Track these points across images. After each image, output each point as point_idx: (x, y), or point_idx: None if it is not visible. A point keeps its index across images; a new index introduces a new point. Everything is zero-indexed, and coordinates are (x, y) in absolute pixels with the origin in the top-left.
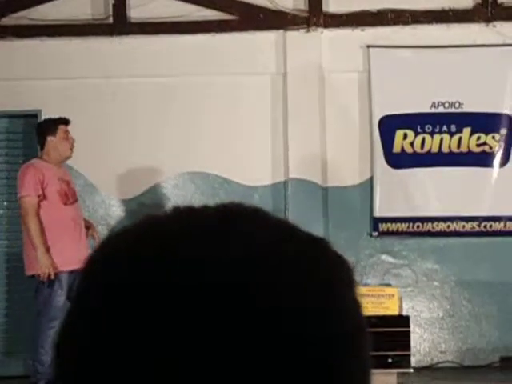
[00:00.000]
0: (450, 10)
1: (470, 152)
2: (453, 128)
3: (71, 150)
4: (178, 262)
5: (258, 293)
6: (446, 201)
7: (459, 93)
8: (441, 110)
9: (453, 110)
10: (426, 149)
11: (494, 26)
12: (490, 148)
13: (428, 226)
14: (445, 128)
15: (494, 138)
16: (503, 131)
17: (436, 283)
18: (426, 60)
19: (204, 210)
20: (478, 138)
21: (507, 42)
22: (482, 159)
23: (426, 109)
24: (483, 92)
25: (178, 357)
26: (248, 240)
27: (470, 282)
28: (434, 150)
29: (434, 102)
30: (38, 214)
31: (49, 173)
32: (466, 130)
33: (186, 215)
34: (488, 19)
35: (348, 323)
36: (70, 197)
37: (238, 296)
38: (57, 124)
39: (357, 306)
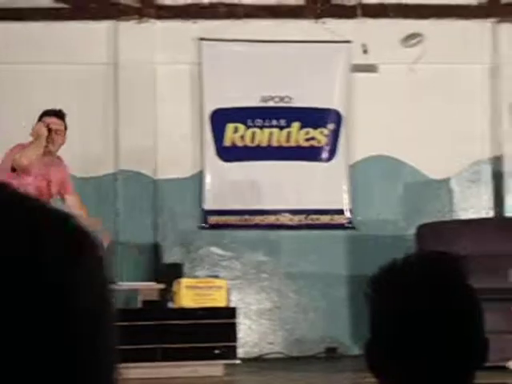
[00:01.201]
0: (282, 5)
1: (298, 146)
2: (282, 122)
3: None
4: None
5: None
6: (275, 194)
7: (289, 88)
8: (271, 104)
9: (282, 104)
10: (256, 142)
11: (324, 23)
12: (318, 142)
13: (257, 219)
14: (275, 122)
15: (322, 132)
16: (331, 126)
17: (265, 275)
18: (257, 54)
19: None
20: (307, 133)
21: (336, 38)
22: (311, 153)
23: (256, 103)
24: (313, 87)
25: None
26: None
27: (297, 274)
28: (264, 143)
29: (264, 96)
30: None
31: None
32: (295, 125)
33: None
34: (318, 16)
35: (87, 298)
36: None
37: None
38: None
39: (97, 280)
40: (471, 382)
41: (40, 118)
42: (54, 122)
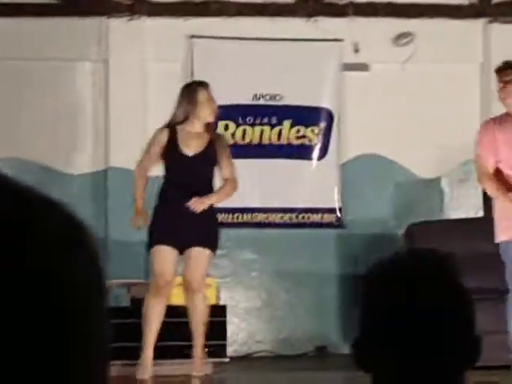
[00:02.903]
0: (273, 3)
1: (289, 144)
2: (273, 120)
3: None
4: None
5: None
6: (266, 192)
7: (280, 86)
8: (262, 102)
9: (274, 102)
10: (246, 140)
11: (316, 21)
12: (309, 141)
13: (247, 217)
14: (266, 120)
15: (313, 131)
16: (322, 125)
17: (254, 273)
18: (248, 52)
19: None
20: (298, 131)
21: (328, 37)
22: (302, 152)
23: (247, 100)
24: (304, 86)
25: None
26: None
27: (287, 273)
28: (255, 141)
29: (255, 94)
30: None
31: None
32: (287, 123)
33: None
34: (309, 14)
35: (78, 291)
36: None
37: None
38: None
39: (88, 272)
40: (463, 380)
41: None
42: None
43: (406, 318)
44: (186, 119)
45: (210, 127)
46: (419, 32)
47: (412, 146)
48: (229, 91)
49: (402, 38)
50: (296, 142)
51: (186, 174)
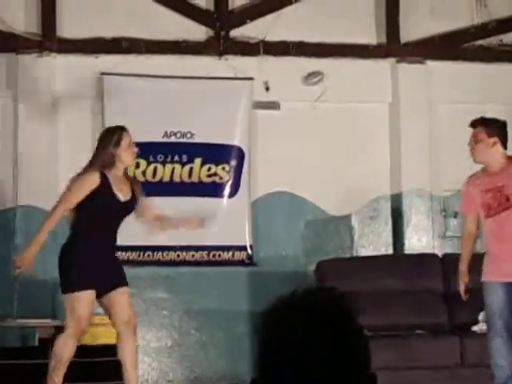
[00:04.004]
0: (184, 41)
1: (200, 182)
2: (184, 158)
3: None
4: None
5: None
6: (177, 230)
7: (191, 123)
8: (173, 139)
9: (185, 140)
10: (157, 178)
11: (226, 60)
12: (220, 178)
13: (158, 255)
14: (177, 158)
15: (224, 168)
16: (233, 162)
17: (165, 312)
18: (159, 90)
19: None
20: (209, 169)
21: (238, 75)
22: (213, 189)
23: (158, 138)
24: (215, 123)
25: None
26: None
27: (198, 311)
28: (166, 179)
29: (166, 132)
30: None
31: None
32: (198, 161)
33: None
34: (220, 52)
35: None
36: None
37: None
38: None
39: None
40: None
41: None
42: None
43: (299, 356)
44: (114, 164)
45: (125, 170)
46: (329, 71)
47: (322, 183)
48: (140, 129)
49: (311, 77)
50: (207, 180)
51: (114, 218)
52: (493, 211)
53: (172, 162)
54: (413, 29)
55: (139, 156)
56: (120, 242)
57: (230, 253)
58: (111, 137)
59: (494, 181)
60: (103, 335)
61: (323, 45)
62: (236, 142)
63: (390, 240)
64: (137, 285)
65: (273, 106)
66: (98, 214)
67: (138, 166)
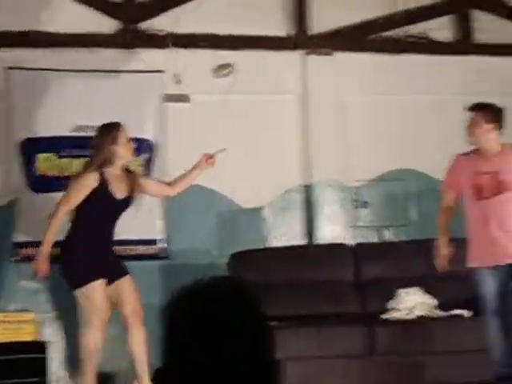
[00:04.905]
0: (92, 34)
1: None
2: None
3: None
4: None
5: None
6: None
7: (102, 117)
8: (83, 133)
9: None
10: (67, 172)
11: (136, 53)
12: None
13: None
14: (87, 152)
15: (136, 162)
16: (145, 156)
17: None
18: (69, 84)
19: None
20: None
21: (149, 68)
22: None
23: (68, 132)
24: (126, 117)
25: None
26: None
27: None
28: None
29: (76, 126)
30: None
31: None
32: None
33: None
34: (129, 45)
35: None
36: None
37: None
38: None
39: None
40: None
41: None
42: None
43: (202, 345)
44: (113, 161)
45: (124, 166)
46: (239, 63)
47: (234, 176)
48: (49, 123)
49: (221, 69)
50: None
51: (111, 216)
52: (485, 194)
53: (82, 156)
54: (323, 20)
55: (49, 150)
56: (31, 237)
57: (143, 247)
58: (108, 134)
59: (490, 165)
60: (20, 332)
61: (233, 37)
62: (147, 136)
63: (302, 231)
64: (49, 281)
65: (183, 98)
66: (96, 213)
67: (48, 160)
